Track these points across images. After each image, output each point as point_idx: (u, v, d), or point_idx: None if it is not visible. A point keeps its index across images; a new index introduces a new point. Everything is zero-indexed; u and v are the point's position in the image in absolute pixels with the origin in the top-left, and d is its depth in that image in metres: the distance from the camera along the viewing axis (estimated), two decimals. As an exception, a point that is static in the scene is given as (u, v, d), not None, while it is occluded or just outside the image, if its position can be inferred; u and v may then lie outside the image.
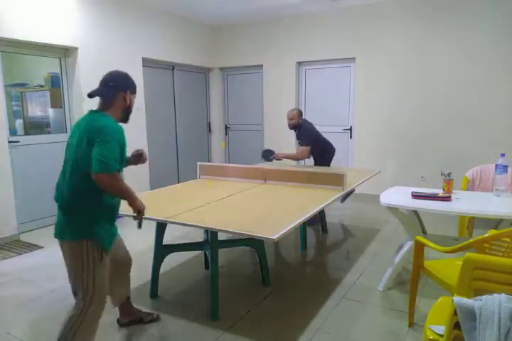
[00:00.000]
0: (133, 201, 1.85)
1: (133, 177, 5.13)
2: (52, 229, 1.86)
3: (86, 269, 1.79)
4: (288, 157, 4.31)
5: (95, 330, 1.88)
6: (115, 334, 2.27)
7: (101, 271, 1.83)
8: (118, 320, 2.36)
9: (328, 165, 4.32)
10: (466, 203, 2.56)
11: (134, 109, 2.00)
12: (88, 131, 1.73)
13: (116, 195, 1.82)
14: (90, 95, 1.85)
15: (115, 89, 1.84)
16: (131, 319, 2.35)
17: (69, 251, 1.80)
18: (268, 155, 4.12)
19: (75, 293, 1.85)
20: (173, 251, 2.83)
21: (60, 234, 1.81)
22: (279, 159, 4.25)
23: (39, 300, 2.68)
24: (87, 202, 1.78)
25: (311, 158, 4.38)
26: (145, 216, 2.26)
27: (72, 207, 1.79)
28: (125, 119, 1.94)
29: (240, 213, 2.37)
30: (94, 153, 1.68)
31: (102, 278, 1.85)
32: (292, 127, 4.29)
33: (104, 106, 1.85)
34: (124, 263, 2.23)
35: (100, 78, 1.95)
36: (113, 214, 1.93)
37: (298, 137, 4.32)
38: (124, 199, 1.85)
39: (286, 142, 6.10)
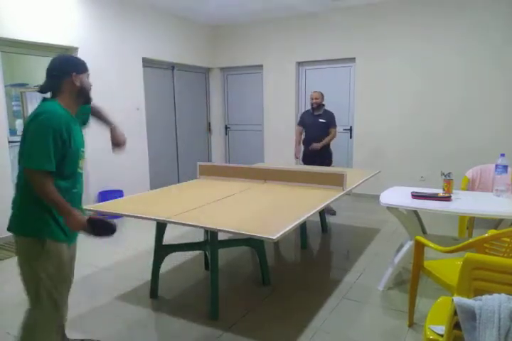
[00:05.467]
0: (66, 214, 1.66)
1: (133, 177, 5.14)
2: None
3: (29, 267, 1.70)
4: (327, 143, 4.69)
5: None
6: (114, 334, 2.27)
7: (51, 269, 1.70)
8: None
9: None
10: (466, 203, 2.56)
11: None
12: (27, 120, 1.65)
13: (46, 201, 1.63)
14: (41, 91, 1.76)
15: (60, 78, 1.73)
16: None
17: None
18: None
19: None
20: (173, 251, 2.82)
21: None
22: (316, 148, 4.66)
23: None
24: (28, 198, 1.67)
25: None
26: (143, 216, 2.27)
27: (14, 202, 1.71)
28: (87, 100, 1.84)
29: (240, 213, 2.37)
30: (25, 144, 1.59)
31: (52, 278, 1.70)
32: (317, 106, 4.67)
33: (54, 94, 1.75)
34: (70, 278, 1.93)
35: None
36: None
37: (322, 117, 4.67)
38: (58, 211, 1.67)
39: (286, 142, 6.11)
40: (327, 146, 4.72)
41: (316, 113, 4.69)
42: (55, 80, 1.73)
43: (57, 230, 1.71)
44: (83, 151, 1.83)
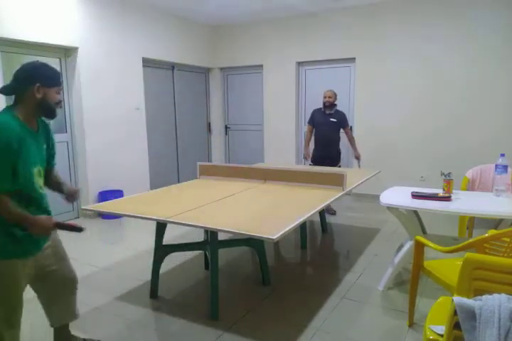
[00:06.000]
0: (30, 225, 1.58)
1: (133, 177, 5.14)
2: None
3: None
4: (356, 147, 4.83)
5: None
6: (114, 334, 2.27)
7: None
8: None
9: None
10: (466, 203, 2.56)
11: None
12: None
13: (7, 219, 1.55)
14: (2, 91, 1.65)
15: (23, 84, 1.60)
16: None
17: None
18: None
19: None
20: (173, 251, 2.82)
21: None
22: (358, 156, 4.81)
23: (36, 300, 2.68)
24: None
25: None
26: (143, 216, 2.27)
27: None
28: (47, 115, 1.70)
29: (240, 213, 2.37)
30: None
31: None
32: (329, 104, 4.64)
33: (14, 102, 1.64)
34: (62, 281, 1.89)
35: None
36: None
37: (333, 116, 4.67)
38: (22, 225, 1.59)
39: (286, 142, 6.11)
40: (337, 146, 4.74)
41: (327, 111, 4.66)
42: (18, 85, 1.62)
43: (8, 248, 1.59)
44: (41, 169, 1.69)
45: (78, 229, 1.72)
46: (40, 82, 1.61)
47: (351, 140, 4.79)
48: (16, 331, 1.68)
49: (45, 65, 1.68)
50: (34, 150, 1.62)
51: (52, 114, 1.70)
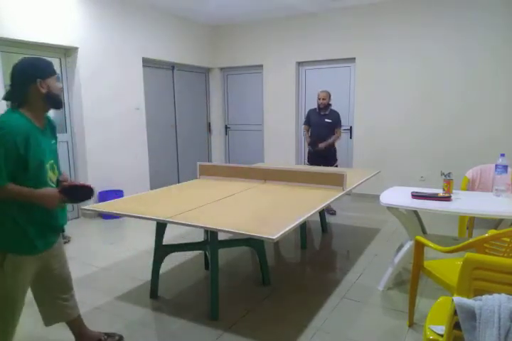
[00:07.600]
0: (43, 202, 1.62)
1: (133, 177, 5.14)
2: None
3: None
4: (331, 143, 4.68)
5: None
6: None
7: (5, 284, 1.62)
8: None
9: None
10: (466, 203, 2.56)
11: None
12: None
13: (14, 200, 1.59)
14: (6, 99, 1.65)
15: (23, 85, 1.61)
16: None
17: None
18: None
19: None
20: (173, 251, 2.82)
21: None
22: (320, 148, 4.63)
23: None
24: None
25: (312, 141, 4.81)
26: (143, 216, 2.27)
27: None
28: (55, 105, 1.72)
29: (239, 213, 2.37)
30: None
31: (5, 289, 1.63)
32: (323, 106, 4.62)
33: (19, 103, 1.63)
34: (60, 284, 1.91)
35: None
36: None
37: (328, 117, 4.65)
38: (30, 202, 1.62)
39: (286, 142, 6.11)
40: (332, 146, 4.71)
41: (322, 112, 4.65)
42: (19, 88, 1.61)
43: (22, 242, 1.64)
44: (53, 163, 1.72)
45: (88, 191, 1.68)
46: (39, 76, 1.62)
47: (334, 138, 4.67)
48: (8, 328, 1.68)
49: (35, 59, 1.68)
50: (44, 146, 1.65)
51: (59, 104, 1.73)
